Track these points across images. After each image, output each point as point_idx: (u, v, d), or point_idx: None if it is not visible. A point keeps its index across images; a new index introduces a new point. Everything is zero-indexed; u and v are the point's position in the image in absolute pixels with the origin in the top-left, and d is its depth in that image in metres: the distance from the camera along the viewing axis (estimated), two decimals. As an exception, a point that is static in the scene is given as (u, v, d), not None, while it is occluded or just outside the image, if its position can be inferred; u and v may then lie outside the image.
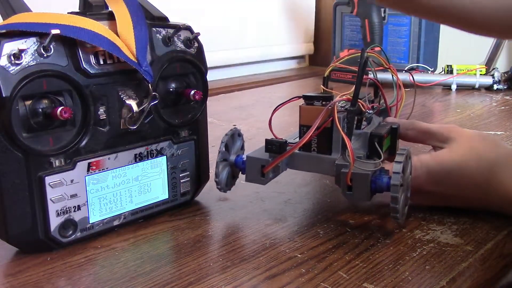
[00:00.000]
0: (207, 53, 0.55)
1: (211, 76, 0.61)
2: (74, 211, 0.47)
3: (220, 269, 0.44)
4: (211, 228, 0.51)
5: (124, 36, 0.47)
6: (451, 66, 1.23)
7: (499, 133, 0.84)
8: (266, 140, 0.50)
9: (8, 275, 0.43)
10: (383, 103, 0.64)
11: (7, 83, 0.41)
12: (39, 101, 0.44)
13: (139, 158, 0.51)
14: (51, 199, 0.45)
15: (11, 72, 0.42)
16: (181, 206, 0.55)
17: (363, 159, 0.50)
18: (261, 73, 1.48)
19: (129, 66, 0.47)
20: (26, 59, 0.42)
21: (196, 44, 0.54)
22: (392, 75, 0.64)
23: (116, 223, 0.50)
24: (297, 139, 0.52)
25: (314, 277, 0.42)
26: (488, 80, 1.20)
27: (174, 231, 0.51)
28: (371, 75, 0.64)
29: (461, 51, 1.36)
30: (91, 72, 0.46)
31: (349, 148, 0.47)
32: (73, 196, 0.47)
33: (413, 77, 0.89)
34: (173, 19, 0.53)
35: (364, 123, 0.56)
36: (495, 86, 1.19)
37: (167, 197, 0.54)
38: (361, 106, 0.52)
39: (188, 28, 0.53)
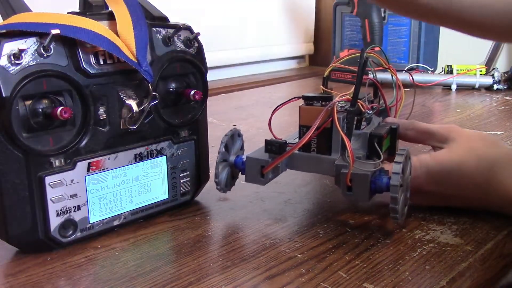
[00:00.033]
0: (207, 53, 0.55)
1: (211, 76, 0.61)
2: (74, 211, 0.47)
3: (220, 269, 0.44)
4: (211, 228, 0.51)
5: (124, 36, 0.47)
6: (451, 66, 1.23)
7: (499, 133, 0.84)
8: (266, 141, 0.50)
9: (8, 275, 0.43)
10: (382, 103, 0.64)
11: (7, 83, 0.41)
12: (39, 101, 0.44)
13: (139, 158, 0.51)
14: (51, 199, 0.45)
15: (11, 72, 0.42)
16: (181, 206, 0.55)
17: (362, 159, 0.50)
18: (261, 73, 1.48)
19: (129, 66, 0.47)
20: (26, 59, 0.42)
21: (196, 44, 0.54)
22: (392, 75, 0.64)
23: (116, 223, 0.50)
24: (297, 140, 0.52)
25: (314, 277, 0.42)
26: (488, 80, 1.20)
27: (174, 231, 0.51)
28: (371, 75, 0.64)
29: (461, 51, 1.36)
30: (91, 72, 0.46)
31: (348, 149, 0.47)
32: (73, 196, 0.47)
33: (412, 77, 0.89)
34: (173, 19, 0.53)
35: (363, 123, 0.56)
36: (495, 86, 1.19)
37: (167, 197, 0.54)
38: (360, 106, 0.52)
39: (188, 28, 0.53)
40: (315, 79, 1.40)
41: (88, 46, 0.46)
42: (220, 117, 0.94)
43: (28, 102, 0.43)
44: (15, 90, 0.41)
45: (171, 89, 0.53)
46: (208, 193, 0.58)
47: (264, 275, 0.43)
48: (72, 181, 0.46)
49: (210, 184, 0.57)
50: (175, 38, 0.52)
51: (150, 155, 0.52)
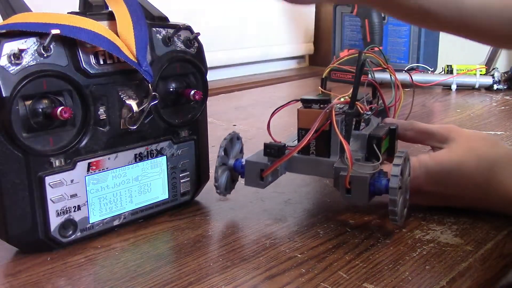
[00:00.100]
0: (207, 53, 0.55)
1: (211, 76, 0.61)
2: (74, 211, 0.47)
3: (220, 269, 0.44)
4: (211, 228, 0.51)
5: (124, 36, 0.47)
6: (451, 66, 1.23)
7: (499, 133, 0.84)
8: (265, 144, 0.50)
9: (8, 275, 0.43)
10: (381, 104, 0.63)
11: (7, 83, 0.41)
12: (39, 101, 0.44)
13: (139, 158, 0.51)
14: (51, 199, 0.45)
15: (11, 72, 0.42)
16: (181, 206, 0.56)
17: (361, 161, 0.49)
18: (261, 73, 1.48)
19: (129, 66, 0.47)
20: (26, 59, 0.42)
21: (196, 44, 0.54)
22: (390, 75, 0.64)
23: (116, 223, 0.50)
24: (296, 142, 0.52)
25: (314, 277, 0.42)
26: (488, 80, 1.20)
27: (174, 231, 0.51)
28: (370, 76, 0.64)
29: (461, 51, 1.36)
30: (91, 72, 0.46)
31: (347, 152, 0.47)
32: (73, 196, 0.47)
33: (411, 77, 0.89)
34: (173, 19, 0.53)
35: (362, 124, 0.56)
36: (495, 86, 1.19)
37: (167, 197, 0.54)
38: (359, 108, 0.52)
39: (188, 28, 0.53)
40: (315, 79, 1.40)
41: (88, 46, 0.46)
42: (220, 117, 0.94)
43: (28, 102, 0.43)
44: (15, 90, 0.41)
45: (171, 89, 0.53)
46: (208, 193, 0.58)
47: (264, 275, 0.43)
48: (72, 181, 0.46)
49: (210, 184, 0.57)
50: (175, 38, 0.52)
51: (150, 155, 0.52)
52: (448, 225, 0.52)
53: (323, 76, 0.63)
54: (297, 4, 0.41)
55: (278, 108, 0.53)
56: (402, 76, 0.85)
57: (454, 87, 1.21)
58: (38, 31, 0.43)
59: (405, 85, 0.68)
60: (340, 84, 1.21)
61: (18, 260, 0.45)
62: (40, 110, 0.44)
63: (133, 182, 0.51)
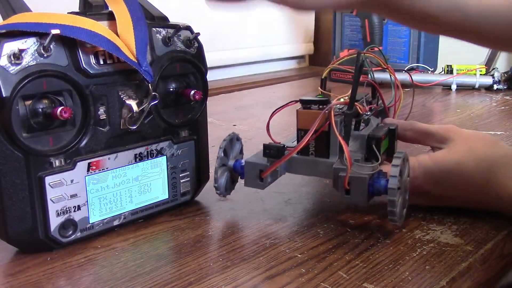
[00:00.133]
0: (207, 53, 0.55)
1: (211, 76, 0.61)
2: (74, 211, 0.47)
3: (220, 269, 0.44)
4: (211, 228, 0.51)
5: (124, 36, 0.47)
6: (451, 66, 1.23)
7: (499, 133, 0.84)
8: (264, 145, 0.50)
9: (8, 275, 0.43)
10: (381, 104, 0.63)
11: (7, 83, 0.41)
12: (39, 101, 0.44)
13: (139, 158, 0.51)
14: (51, 199, 0.45)
15: (11, 72, 0.42)
16: (181, 206, 0.56)
17: (360, 161, 0.49)
18: (261, 73, 1.48)
19: (129, 66, 0.47)
20: (26, 59, 0.42)
21: (196, 44, 0.54)
22: (390, 75, 0.64)
23: (116, 223, 0.50)
24: (295, 143, 0.52)
25: (314, 277, 0.42)
26: (488, 80, 1.20)
27: (174, 231, 0.51)
28: (369, 76, 0.64)
29: (461, 51, 1.36)
30: (91, 72, 0.46)
31: (346, 152, 0.47)
32: (73, 196, 0.47)
33: (411, 77, 0.89)
34: (173, 19, 0.53)
35: (362, 124, 0.56)
36: (495, 86, 1.19)
37: (167, 197, 0.54)
38: (358, 108, 0.52)
39: (188, 28, 0.53)
40: (315, 79, 1.40)
41: (88, 46, 0.46)
42: (220, 117, 0.94)
43: (28, 102, 0.43)
44: (15, 90, 0.41)
45: (171, 89, 0.53)
46: (208, 193, 0.58)
47: (264, 275, 0.43)
48: (72, 181, 0.46)
49: (210, 184, 0.56)
50: (175, 38, 0.52)
51: (150, 155, 0.52)
52: (448, 225, 0.52)
53: (323, 77, 0.63)
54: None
55: (277, 109, 0.53)
56: (402, 76, 0.85)
57: (454, 87, 1.21)
58: (38, 31, 0.43)
59: (405, 85, 0.68)
60: (340, 84, 1.21)
61: (18, 260, 0.45)
62: (40, 110, 0.44)
63: (133, 182, 0.51)
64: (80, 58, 0.45)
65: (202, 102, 0.55)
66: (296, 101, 0.52)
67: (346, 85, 1.17)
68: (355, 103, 0.51)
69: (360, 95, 0.57)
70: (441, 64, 1.28)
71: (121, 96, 0.48)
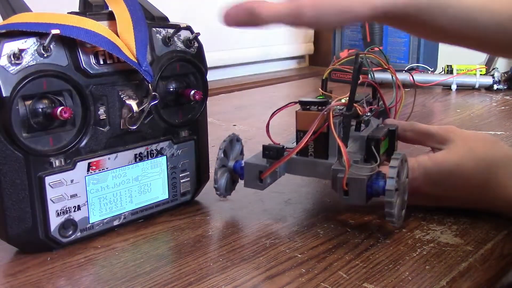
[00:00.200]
0: (207, 53, 0.55)
1: (211, 76, 0.61)
2: (74, 211, 0.47)
3: (220, 269, 0.44)
4: (211, 228, 0.51)
5: (124, 36, 0.47)
6: (451, 66, 1.23)
7: (499, 133, 0.84)
8: (264, 146, 0.50)
9: (8, 275, 0.43)
10: (382, 105, 0.63)
11: (7, 83, 0.41)
12: (39, 101, 0.44)
13: (139, 158, 0.51)
14: (51, 199, 0.45)
15: (11, 72, 0.42)
16: (181, 206, 0.56)
17: (360, 162, 0.49)
18: (261, 73, 1.48)
19: (129, 66, 0.47)
20: (26, 59, 0.42)
21: (196, 44, 0.54)
22: (392, 76, 0.64)
23: (116, 223, 0.50)
24: (295, 144, 0.52)
25: (314, 277, 0.42)
26: (488, 80, 1.20)
27: (174, 231, 0.51)
28: (370, 76, 0.64)
29: (461, 51, 1.36)
30: (91, 72, 0.46)
31: (343, 154, 0.47)
32: (73, 196, 0.47)
33: (413, 77, 0.89)
34: (173, 19, 0.53)
35: (362, 125, 0.56)
36: (495, 86, 1.19)
37: (167, 197, 0.54)
38: (357, 109, 0.52)
39: (188, 28, 0.53)
40: (315, 79, 1.40)
41: (88, 46, 0.46)
42: (220, 117, 0.94)
43: (28, 102, 0.43)
44: (15, 90, 0.41)
45: (171, 89, 0.53)
46: (208, 193, 0.58)
47: (264, 275, 0.43)
48: (72, 181, 0.46)
49: (210, 184, 0.56)
50: (175, 38, 0.52)
51: (150, 155, 0.52)
52: (448, 225, 0.52)
53: (324, 77, 0.63)
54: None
55: (276, 111, 0.53)
56: (402, 76, 0.85)
57: (454, 87, 1.21)
58: (38, 31, 0.43)
59: (405, 85, 0.68)
60: (341, 84, 1.21)
61: (18, 260, 0.45)
62: (40, 110, 0.44)
63: (133, 182, 0.51)
64: (80, 58, 0.45)
65: (202, 102, 0.55)
66: (296, 102, 0.52)
67: (347, 85, 1.16)
68: (355, 104, 0.51)
69: (360, 96, 0.57)
70: (441, 64, 1.28)
71: (121, 96, 0.48)
